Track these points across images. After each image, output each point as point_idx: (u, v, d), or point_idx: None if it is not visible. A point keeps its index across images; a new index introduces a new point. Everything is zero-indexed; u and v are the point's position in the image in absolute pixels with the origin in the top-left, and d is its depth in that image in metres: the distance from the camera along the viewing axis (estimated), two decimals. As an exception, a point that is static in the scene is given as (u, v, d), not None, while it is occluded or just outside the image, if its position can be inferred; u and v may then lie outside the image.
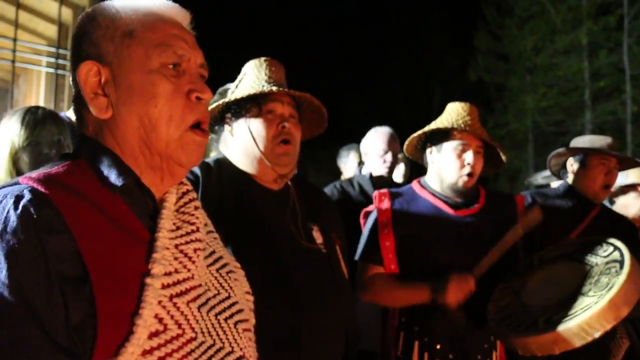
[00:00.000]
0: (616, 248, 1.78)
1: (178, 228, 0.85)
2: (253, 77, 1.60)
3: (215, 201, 1.46)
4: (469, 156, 1.97)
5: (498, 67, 19.71)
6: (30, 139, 1.66)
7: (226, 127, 1.62)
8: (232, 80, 1.73)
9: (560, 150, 2.44)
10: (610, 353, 2.25)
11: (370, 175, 2.94)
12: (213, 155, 2.36)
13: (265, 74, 1.59)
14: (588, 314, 1.53)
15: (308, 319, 1.43)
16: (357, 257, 2.06)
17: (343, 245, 1.69)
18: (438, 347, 1.89)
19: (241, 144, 1.57)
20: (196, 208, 0.92)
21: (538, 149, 19.04)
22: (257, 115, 1.54)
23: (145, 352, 0.72)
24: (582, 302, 1.61)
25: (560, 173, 2.53)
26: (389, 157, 2.93)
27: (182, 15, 0.91)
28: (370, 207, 2.13)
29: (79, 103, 0.85)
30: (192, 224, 0.88)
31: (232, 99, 1.55)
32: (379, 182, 2.92)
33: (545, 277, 1.87)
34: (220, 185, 1.52)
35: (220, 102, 1.58)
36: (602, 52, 17.14)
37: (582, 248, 1.91)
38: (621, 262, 1.68)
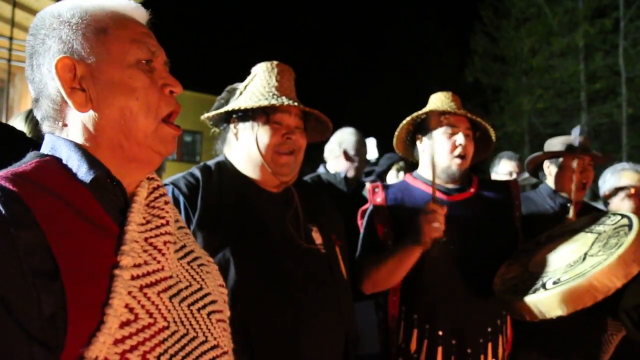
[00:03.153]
0: (624, 216, 1.78)
1: (148, 222, 0.88)
2: (263, 82, 1.60)
3: (215, 203, 1.48)
4: (459, 138, 1.98)
5: (495, 69, 19.77)
6: (33, 134, 1.73)
7: (231, 128, 1.63)
8: (235, 77, 1.73)
9: (534, 156, 2.52)
10: (602, 348, 2.28)
11: (346, 176, 2.98)
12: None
13: (276, 80, 1.60)
14: (597, 270, 1.50)
15: (307, 319, 1.44)
16: (357, 254, 2.05)
17: (343, 246, 1.69)
18: (440, 333, 1.88)
19: (245, 149, 1.58)
20: (166, 203, 0.94)
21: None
22: (264, 123, 1.56)
23: (117, 341, 0.74)
24: (591, 261, 1.59)
25: (539, 175, 2.59)
26: (357, 158, 3.00)
27: (142, 15, 0.94)
28: (367, 206, 2.13)
29: (45, 100, 0.86)
30: (162, 217, 0.90)
31: (242, 107, 1.55)
32: (351, 183, 2.97)
33: (552, 248, 1.86)
34: (220, 188, 1.53)
35: (229, 107, 1.59)
36: (598, 54, 17.23)
37: (590, 222, 1.91)
38: (630, 225, 1.67)
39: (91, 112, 0.84)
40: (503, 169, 3.66)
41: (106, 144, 0.85)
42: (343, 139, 3.07)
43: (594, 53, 17.37)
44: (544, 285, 1.61)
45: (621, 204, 2.65)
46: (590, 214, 2.06)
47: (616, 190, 2.66)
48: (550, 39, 18.02)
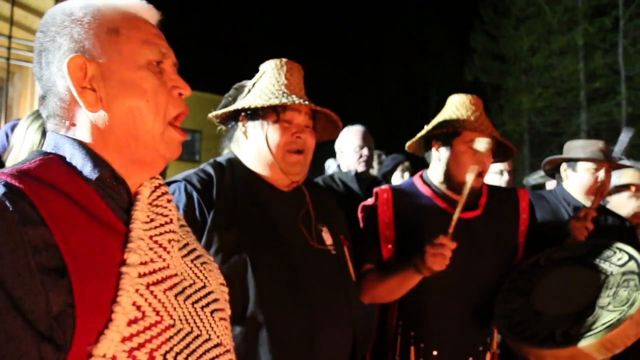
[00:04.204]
0: (631, 257, 1.75)
1: (152, 220, 0.88)
2: (272, 80, 1.59)
3: (229, 202, 1.48)
4: (481, 157, 1.90)
5: (494, 68, 19.78)
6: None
7: (240, 126, 1.62)
8: (234, 76, 1.72)
9: (552, 157, 2.51)
10: None
11: (356, 173, 3.00)
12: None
13: (285, 78, 1.59)
14: (611, 332, 1.52)
15: (318, 319, 1.45)
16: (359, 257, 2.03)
17: (350, 247, 1.70)
18: (435, 353, 1.87)
19: (255, 148, 1.57)
20: (169, 201, 0.94)
21: (534, 149, 19.12)
22: (274, 122, 1.55)
23: (124, 339, 0.74)
24: (603, 317, 1.60)
25: (554, 175, 2.56)
26: (365, 151, 3.04)
27: (154, 15, 0.94)
28: (369, 201, 2.08)
29: (53, 98, 0.86)
30: (166, 216, 0.91)
31: (253, 105, 1.54)
32: (361, 178, 2.98)
33: (556, 281, 1.83)
34: (233, 186, 1.53)
35: (239, 106, 1.58)
36: (598, 53, 17.23)
37: (593, 252, 1.87)
38: (639, 274, 1.67)
39: (101, 112, 0.84)
40: (494, 167, 3.64)
41: (113, 144, 0.85)
42: (338, 139, 3.14)
43: (594, 52, 17.37)
44: (552, 336, 1.62)
45: (626, 203, 2.64)
46: (589, 240, 2.00)
47: (616, 188, 2.66)
48: (550, 37, 18.02)
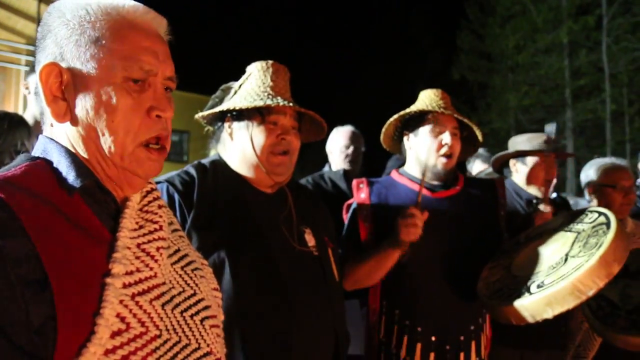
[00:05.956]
0: (601, 213, 1.80)
1: (141, 227, 0.85)
2: (258, 82, 1.59)
3: (210, 203, 1.47)
4: (446, 137, 1.99)
5: (481, 66, 19.92)
6: None
7: (225, 127, 1.61)
8: (223, 77, 1.72)
9: (502, 154, 2.61)
10: (571, 334, 2.33)
11: (344, 171, 3.07)
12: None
13: (271, 80, 1.59)
14: (580, 272, 1.52)
15: (298, 321, 1.44)
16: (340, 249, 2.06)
17: (335, 249, 1.70)
18: (419, 329, 1.89)
19: (240, 149, 1.57)
20: (160, 207, 0.91)
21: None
22: (259, 123, 1.55)
23: (107, 352, 0.72)
24: (573, 263, 1.60)
25: (503, 171, 2.67)
26: (350, 150, 3.12)
27: (158, 22, 0.89)
28: (352, 200, 2.14)
29: (39, 98, 0.84)
30: (155, 222, 0.88)
31: (237, 107, 1.54)
32: (349, 177, 3.04)
33: (533, 249, 1.87)
34: (215, 188, 1.52)
35: (224, 107, 1.58)
36: (582, 51, 17.43)
37: (567, 220, 1.93)
38: (607, 224, 1.69)
39: (68, 124, 0.81)
40: (476, 171, 3.73)
41: (86, 157, 0.83)
42: (328, 140, 3.22)
43: (578, 50, 17.57)
44: (528, 289, 1.63)
45: (605, 199, 2.68)
46: (565, 212, 2.07)
47: (599, 186, 2.69)
48: (535, 35, 18.19)
